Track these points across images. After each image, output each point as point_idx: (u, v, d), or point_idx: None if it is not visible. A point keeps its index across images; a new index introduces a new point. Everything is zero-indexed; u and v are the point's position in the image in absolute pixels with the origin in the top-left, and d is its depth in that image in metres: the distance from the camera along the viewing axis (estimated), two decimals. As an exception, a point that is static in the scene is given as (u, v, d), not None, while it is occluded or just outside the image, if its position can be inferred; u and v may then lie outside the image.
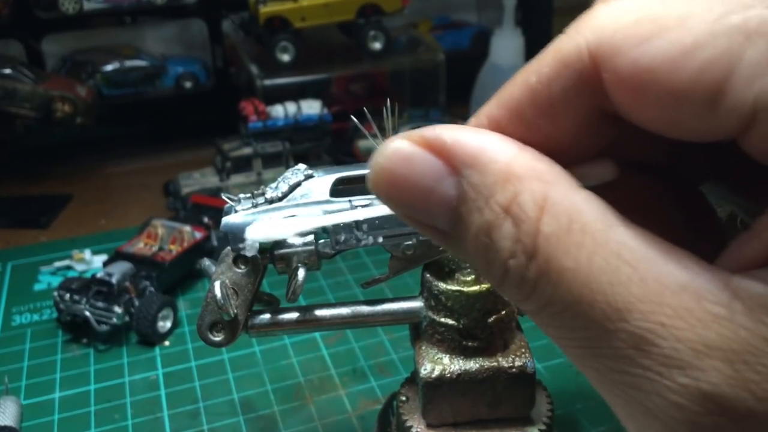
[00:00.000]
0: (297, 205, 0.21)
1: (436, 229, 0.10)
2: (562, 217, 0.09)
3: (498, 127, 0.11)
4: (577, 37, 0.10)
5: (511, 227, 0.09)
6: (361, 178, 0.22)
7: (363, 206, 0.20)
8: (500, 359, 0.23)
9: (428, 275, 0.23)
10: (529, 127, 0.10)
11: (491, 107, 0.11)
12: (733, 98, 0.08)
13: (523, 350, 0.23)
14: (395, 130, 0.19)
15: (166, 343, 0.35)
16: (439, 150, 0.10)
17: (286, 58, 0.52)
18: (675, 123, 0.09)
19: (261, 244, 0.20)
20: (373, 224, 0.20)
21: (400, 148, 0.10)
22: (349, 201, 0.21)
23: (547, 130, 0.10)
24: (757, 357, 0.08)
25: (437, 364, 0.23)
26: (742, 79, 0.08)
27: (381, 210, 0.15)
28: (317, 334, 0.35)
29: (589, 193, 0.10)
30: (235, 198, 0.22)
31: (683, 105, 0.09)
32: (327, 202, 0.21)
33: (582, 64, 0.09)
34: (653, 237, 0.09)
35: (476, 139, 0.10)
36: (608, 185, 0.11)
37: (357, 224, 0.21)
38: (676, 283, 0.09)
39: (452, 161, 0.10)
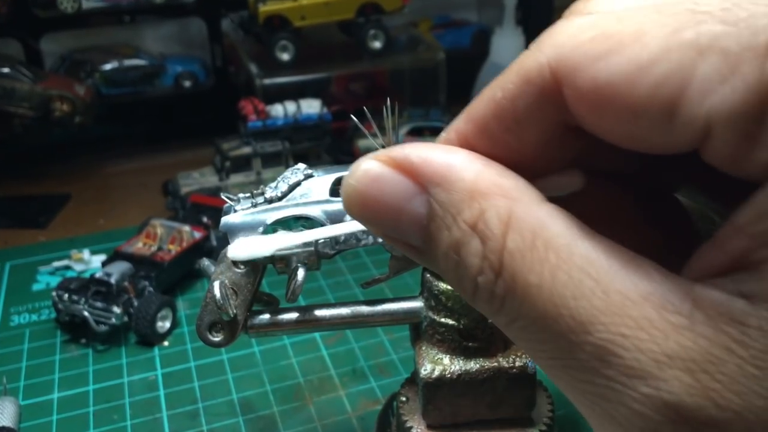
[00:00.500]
0: (297, 205, 0.21)
1: (410, 245, 0.11)
2: (526, 233, 0.09)
3: (466, 142, 0.11)
4: (538, 54, 0.10)
5: (478, 244, 0.10)
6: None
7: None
8: (501, 359, 0.23)
9: (428, 275, 0.23)
10: (495, 142, 0.11)
11: (459, 122, 0.11)
12: (687, 113, 0.08)
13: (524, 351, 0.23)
14: (395, 130, 0.19)
15: (165, 343, 0.35)
16: (407, 169, 0.10)
17: (285, 57, 0.52)
18: (635, 137, 0.09)
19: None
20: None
21: (369, 168, 0.10)
22: (349, 200, 0.21)
23: (513, 144, 0.10)
24: (717, 366, 0.08)
25: (437, 364, 0.23)
26: (695, 95, 0.08)
27: (355, 225, 0.15)
28: (317, 335, 0.35)
29: (554, 207, 0.10)
30: (235, 198, 0.22)
31: (641, 120, 0.09)
32: (326, 201, 0.21)
33: (544, 80, 0.10)
34: (617, 248, 0.09)
35: (443, 157, 0.10)
36: (577, 196, 0.11)
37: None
38: (637, 293, 0.09)
39: (420, 180, 0.10)
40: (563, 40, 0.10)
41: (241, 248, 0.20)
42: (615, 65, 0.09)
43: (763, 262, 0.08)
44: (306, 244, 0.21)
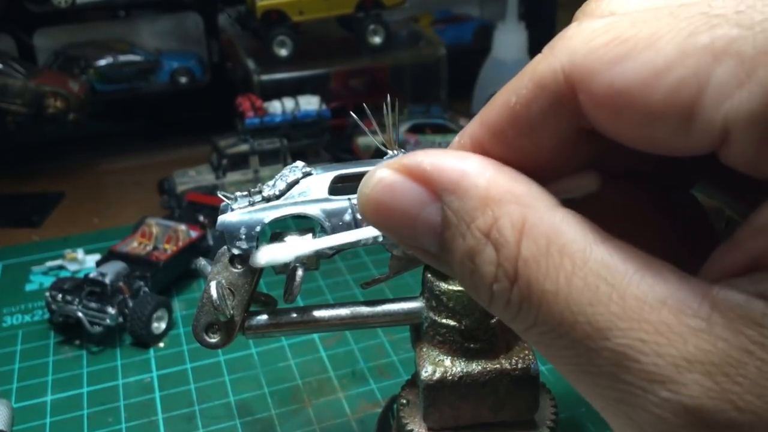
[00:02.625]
0: (295, 204, 0.20)
1: (426, 251, 0.11)
2: (541, 239, 0.09)
3: (480, 147, 0.11)
4: (552, 59, 0.10)
5: (492, 252, 0.10)
6: (361, 176, 0.21)
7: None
8: (503, 361, 0.22)
9: (429, 275, 0.23)
10: (510, 147, 0.11)
11: (474, 127, 0.11)
12: (704, 118, 0.08)
13: (527, 352, 0.23)
14: (395, 127, 0.19)
15: (161, 344, 0.35)
16: (420, 177, 0.10)
17: (283, 52, 0.51)
18: (652, 140, 0.09)
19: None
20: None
21: (383, 177, 0.11)
22: (348, 199, 0.20)
23: (529, 148, 0.10)
24: (736, 368, 0.08)
25: (438, 366, 0.22)
26: (712, 99, 0.08)
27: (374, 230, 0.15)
28: (315, 336, 0.34)
29: (568, 212, 0.10)
30: (232, 196, 0.22)
31: (658, 124, 0.09)
32: (326, 200, 0.20)
33: (558, 85, 0.10)
34: (633, 251, 0.09)
35: (455, 164, 0.10)
36: (593, 196, 0.11)
37: (356, 222, 0.20)
38: (655, 298, 0.09)
39: (433, 187, 0.10)
40: (577, 44, 0.10)
41: (269, 253, 0.20)
42: (630, 70, 0.09)
43: None
44: None
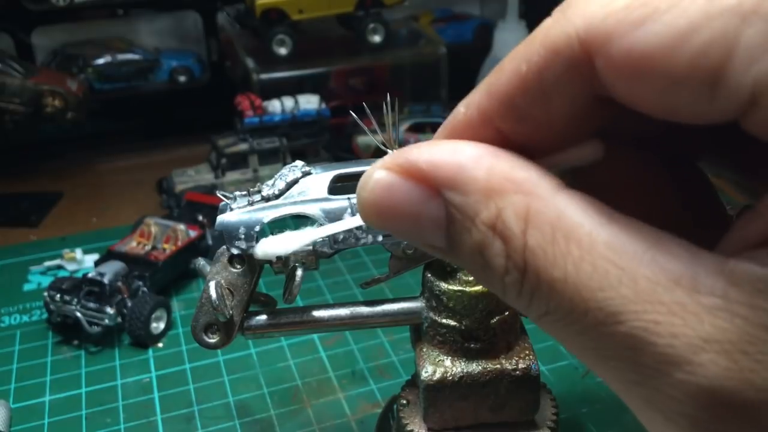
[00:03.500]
0: (294, 203, 0.20)
1: (435, 246, 0.11)
2: (545, 227, 0.09)
3: (488, 118, 0.10)
4: (565, 23, 0.09)
5: (500, 245, 0.10)
6: (360, 176, 0.21)
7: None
8: (504, 361, 0.22)
9: (429, 275, 0.22)
10: (520, 117, 0.10)
11: (480, 98, 0.11)
12: (732, 82, 0.08)
13: (527, 352, 0.23)
14: (395, 126, 0.19)
15: (160, 344, 0.35)
16: (417, 176, 0.10)
17: (283, 51, 0.51)
18: (673, 107, 0.09)
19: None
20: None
21: (380, 179, 0.10)
22: (348, 198, 0.20)
23: (539, 118, 0.10)
24: (755, 345, 0.08)
25: (439, 366, 0.22)
26: (741, 62, 0.08)
27: None
28: (315, 336, 0.34)
29: (571, 193, 0.10)
30: (231, 196, 0.21)
31: (681, 90, 0.09)
32: (325, 199, 0.20)
33: (573, 51, 0.09)
34: (641, 228, 0.09)
35: (451, 158, 0.10)
36: (598, 167, 0.11)
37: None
38: (667, 277, 0.09)
39: (432, 185, 0.10)
40: (593, 7, 0.09)
41: (271, 244, 0.20)
42: (652, 33, 0.08)
43: None
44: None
